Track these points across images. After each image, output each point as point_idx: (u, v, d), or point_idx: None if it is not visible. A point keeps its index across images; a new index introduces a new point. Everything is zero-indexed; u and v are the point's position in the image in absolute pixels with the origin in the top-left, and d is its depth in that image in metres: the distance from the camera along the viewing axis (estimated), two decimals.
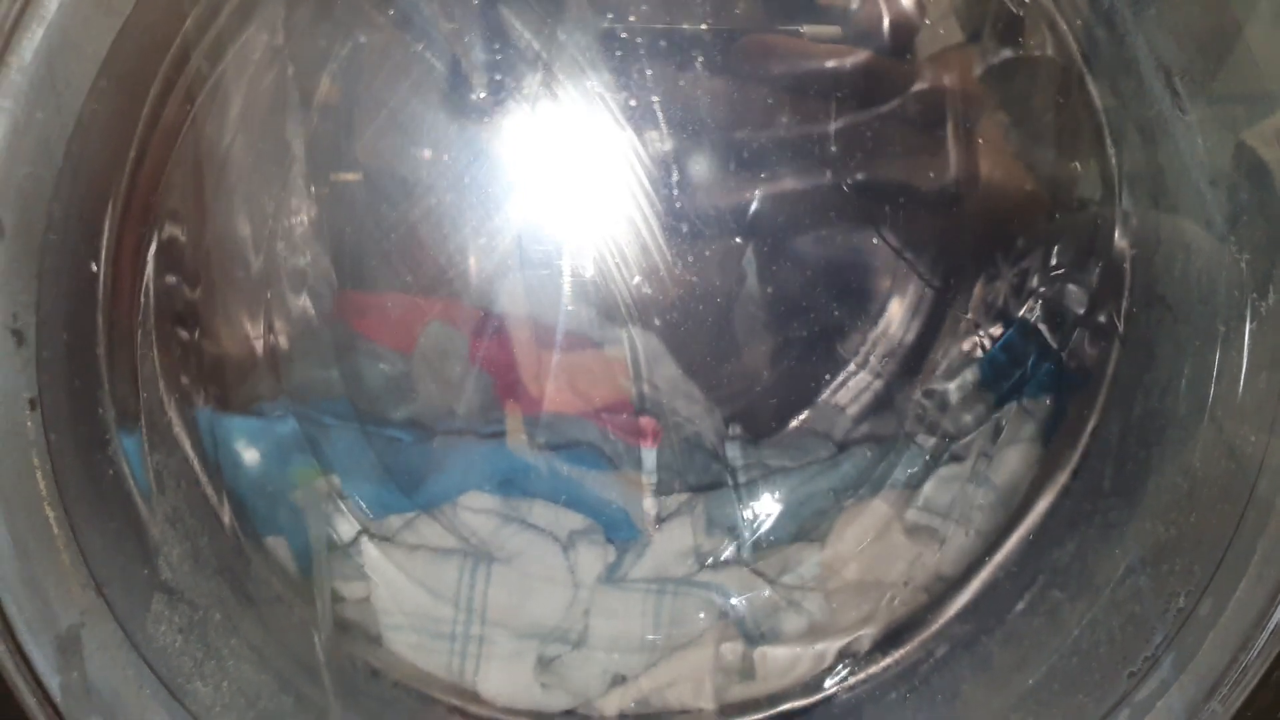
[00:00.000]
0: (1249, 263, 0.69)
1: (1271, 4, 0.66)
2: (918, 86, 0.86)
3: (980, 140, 0.87)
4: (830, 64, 0.81)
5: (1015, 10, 0.83)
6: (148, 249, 0.65)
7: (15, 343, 0.53)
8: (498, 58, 0.70)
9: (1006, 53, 0.85)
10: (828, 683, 0.83)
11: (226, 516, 0.73)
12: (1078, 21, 0.78)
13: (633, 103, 0.72)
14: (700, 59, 0.76)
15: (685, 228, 0.77)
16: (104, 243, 0.59)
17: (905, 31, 0.84)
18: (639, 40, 0.72)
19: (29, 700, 0.57)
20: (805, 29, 0.81)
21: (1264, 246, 0.68)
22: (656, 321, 0.81)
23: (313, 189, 0.73)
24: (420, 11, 0.71)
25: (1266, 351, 0.68)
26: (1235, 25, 0.66)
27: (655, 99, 0.73)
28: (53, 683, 0.56)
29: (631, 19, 0.72)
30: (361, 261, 0.79)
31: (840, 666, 0.83)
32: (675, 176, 0.76)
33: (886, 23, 0.83)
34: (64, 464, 0.58)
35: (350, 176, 0.75)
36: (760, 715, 0.83)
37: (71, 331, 0.58)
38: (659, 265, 0.77)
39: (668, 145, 0.75)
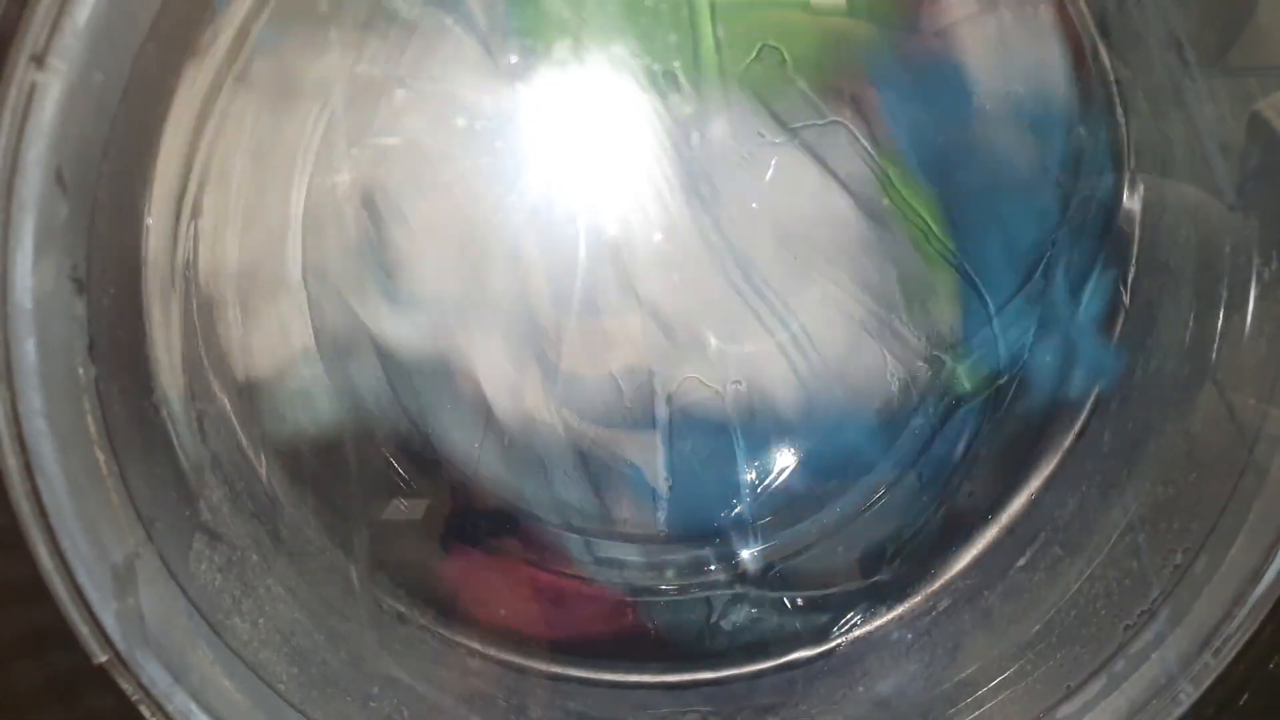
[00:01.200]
0: (1256, 229, 0.70)
1: None
2: (930, 57, 0.87)
3: (992, 110, 0.89)
4: (841, 36, 0.83)
5: None
6: (190, 206, 0.68)
7: (75, 290, 0.56)
8: (530, 24, 0.73)
9: (1020, 22, 0.86)
10: (834, 633, 0.86)
11: (263, 467, 0.76)
12: None
13: (656, 68, 0.75)
14: (721, 28, 0.78)
15: (705, 190, 0.79)
16: (151, 196, 0.62)
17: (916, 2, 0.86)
18: (663, 9, 0.75)
19: (82, 629, 0.60)
20: (814, 1, 0.82)
21: (1271, 213, 0.70)
22: (675, 278, 0.83)
23: (354, 151, 0.75)
24: None
25: (1269, 317, 0.70)
26: None
27: (677, 64, 0.75)
28: (108, 611, 0.59)
29: None
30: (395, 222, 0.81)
31: (847, 618, 0.86)
32: (696, 139, 0.78)
33: None
34: (113, 408, 0.61)
35: (390, 140, 0.77)
36: (768, 664, 0.86)
37: (122, 281, 0.61)
38: (678, 226, 0.79)
39: (689, 109, 0.77)
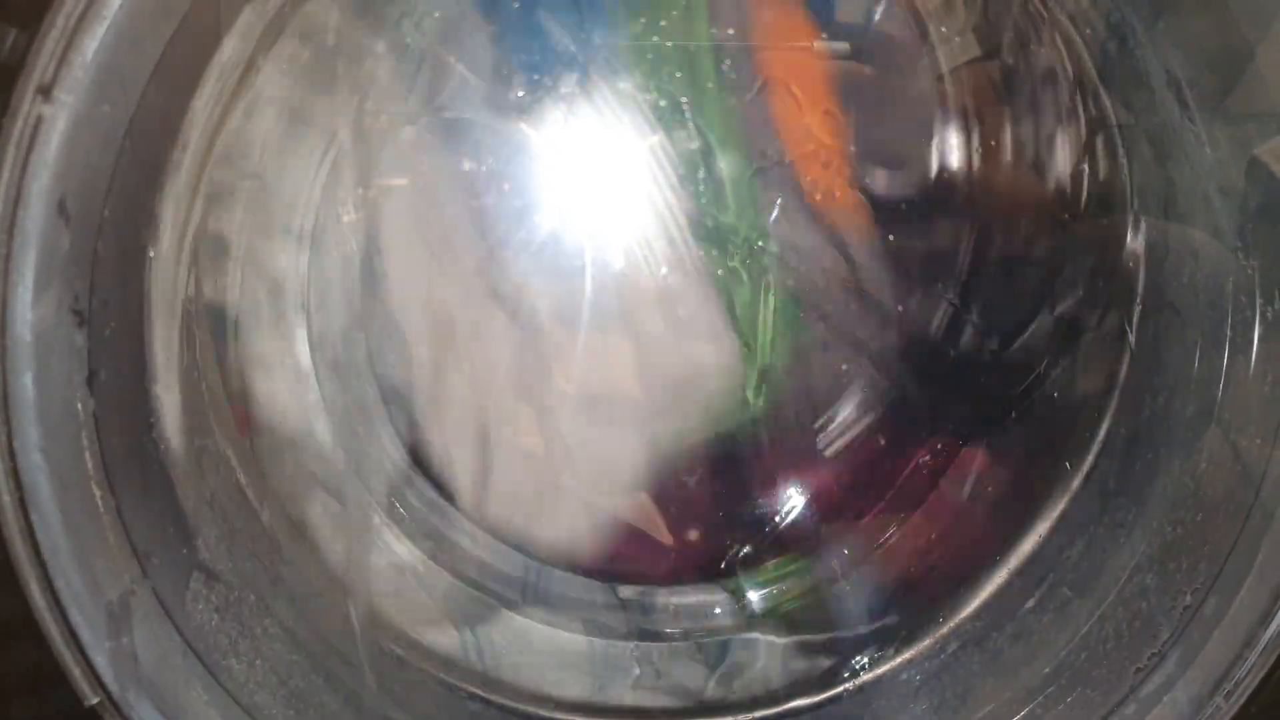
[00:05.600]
0: (1257, 270, 0.71)
1: None
2: (935, 99, 0.88)
3: (996, 152, 0.89)
4: (844, 77, 0.84)
5: (1032, 26, 0.85)
6: (194, 238, 0.67)
7: (76, 323, 0.55)
8: (536, 59, 0.74)
9: (1023, 67, 0.87)
10: (841, 678, 0.84)
11: (263, 507, 0.75)
12: (1090, 34, 0.81)
13: (662, 103, 0.76)
14: (726, 64, 0.79)
15: (710, 223, 0.80)
16: (155, 228, 0.62)
17: (922, 46, 0.87)
18: (669, 45, 0.76)
19: (74, 670, 0.59)
20: (817, 44, 0.83)
21: (1272, 254, 0.70)
22: (680, 312, 0.83)
23: (360, 190, 0.76)
24: (464, 16, 0.74)
25: (1273, 356, 0.70)
26: (1246, 43, 0.68)
27: (684, 100, 0.76)
28: (100, 652, 0.58)
29: (663, 24, 0.76)
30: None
31: (854, 662, 0.84)
32: (701, 174, 0.79)
33: (904, 38, 0.86)
34: (111, 444, 0.60)
35: (398, 181, 0.78)
36: (773, 710, 0.85)
37: (123, 314, 0.60)
38: (685, 259, 0.79)
39: (694, 144, 0.78)
